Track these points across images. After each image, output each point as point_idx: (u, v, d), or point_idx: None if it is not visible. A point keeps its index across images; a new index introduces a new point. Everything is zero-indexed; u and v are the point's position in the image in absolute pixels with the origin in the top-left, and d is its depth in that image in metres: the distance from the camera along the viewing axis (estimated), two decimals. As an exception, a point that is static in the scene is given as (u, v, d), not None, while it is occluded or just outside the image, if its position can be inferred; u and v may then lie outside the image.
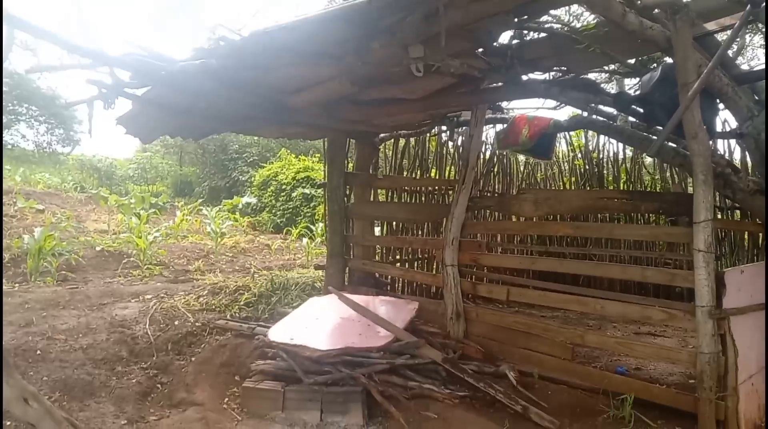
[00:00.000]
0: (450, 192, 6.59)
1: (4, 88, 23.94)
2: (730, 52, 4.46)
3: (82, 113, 27.06)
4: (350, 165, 6.46)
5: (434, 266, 6.68)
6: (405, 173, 6.69)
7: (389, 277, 6.40)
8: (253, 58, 3.54)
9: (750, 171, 5.12)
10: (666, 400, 3.56)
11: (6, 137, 25.67)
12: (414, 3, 3.00)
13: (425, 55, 3.38)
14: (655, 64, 4.22)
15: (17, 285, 6.59)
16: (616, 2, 3.14)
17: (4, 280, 6.78)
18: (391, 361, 4.14)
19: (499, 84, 4.35)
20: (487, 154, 7.28)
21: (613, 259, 6.51)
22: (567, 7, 5.88)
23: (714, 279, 3.20)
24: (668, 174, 6.89)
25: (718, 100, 3.51)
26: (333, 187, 6.17)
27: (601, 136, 7.30)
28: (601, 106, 4.92)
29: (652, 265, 5.81)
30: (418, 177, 6.68)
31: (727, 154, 5.87)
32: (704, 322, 3.22)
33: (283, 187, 14.80)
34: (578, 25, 4.18)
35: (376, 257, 6.51)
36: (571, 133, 7.82)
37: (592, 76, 5.10)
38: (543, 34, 4.08)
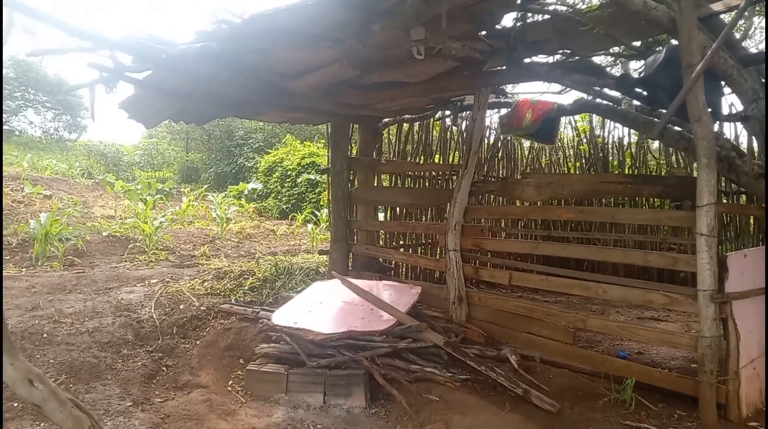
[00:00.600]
0: (454, 177, 6.58)
1: (12, 74, 24.02)
2: (737, 34, 4.40)
3: (88, 99, 27.05)
4: (354, 150, 6.45)
5: (437, 251, 6.69)
6: (409, 158, 6.67)
7: (393, 262, 6.41)
8: (253, 42, 3.53)
9: (756, 155, 5.08)
10: (667, 384, 3.57)
11: (14, 123, 25.83)
12: (414, -16, 2.97)
13: (426, 38, 3.36)
14: (660, 47, 4.16)
15: (24, 269, 6.66)
16: (619, -19, 3.10)
17: (11, 265, 6.85)
18: (394, 344, 4.17)
19: (502, 67, 4.31)
20: (491, 138, 7.24)
21: (616, 243, 6.49)
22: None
23: (716, 263, 3.19)
24: (674, 158, 6.83)
25: (723, 83, 3.46)
26: (336, 173, 6.16)
27: (607, 121, 7.25)
28: (605, 90, 4.88)
29: (656, 250, 5.82)
30: (421, 162, 6.66)
31: (733, 138, 5.81)
32: (706, 306, 3.21)
33: (289, 173, 14.80)
34: (582, 7, 4.11)
35: (380, 242, 6.52)
36: (576, 117, 7.77)
37: (597, 59, 5.04)
38: (546, 16, 4.02)
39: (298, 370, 4.10)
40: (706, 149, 3.13)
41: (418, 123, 6.68)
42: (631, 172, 6.98)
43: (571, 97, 7.95)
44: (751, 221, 6.32)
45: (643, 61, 4.20)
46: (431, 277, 6.43)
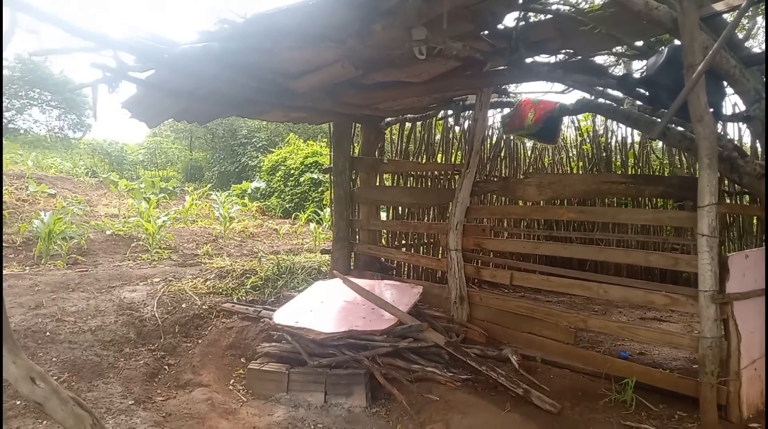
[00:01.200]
0: (456, 176, 6.58)
1: (17, 74, 24.12)
2: (740, 34, 4.39)
3: (92, 99, 27.14)
4: (356, 149, 6.46)
5: (439, 251, 6.69)
6: (411, 158, 6.67)
7: (394, 261, 6.42)
8: (255, 41, 3.53)
9: (759, 155, 5.06)
10: (668, 385, 3.57)
11: (19, 122, 25.97)
12: (416, -16, 2.96)
13: (428, 38, 3.36)
14: (662, 47, 4.15)
15: (27, 268, 6.69)
16: (620, -19, 3.09)
17: (15, 263, 6.88)
18: (395, 344, 4.18)
19: (504, 67, 4.30)
20: (494, 138, 7.23)
21: (618, 244, 6.49)
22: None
23: (717, 263, 3.19)
24: (677, 159, 6.81)
25: (725, 83, 3.45)
26: (339, 172, 6.17)
27: (610, 121, 7.23)
28: (608, 90, 4.87)
29: (658, 250, 5.80)
30: (423, 162, 6.67)
31: (736, 139, 5.79)
32: (707, 307, 3.21)
33: (292, 172, 14.82)
34: (585, 6, 4.10)
35: (382, 242, 6.53)
36: (579, 117, 7.76)
37: (599, 59, 5.04)
38: (548, 16, 4.01)
39: (299, 369, 4.11)
40: (707, 149, 3.13)
41: (420, 123, 6.68)
42: (633, 172, 6.97)
43: (574, 96, 7.94)
44: (754, 222, 6.30)
45: (645, 61, 4.19)
46: (433, 277, 6.43)
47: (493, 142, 7.21)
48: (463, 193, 4.85)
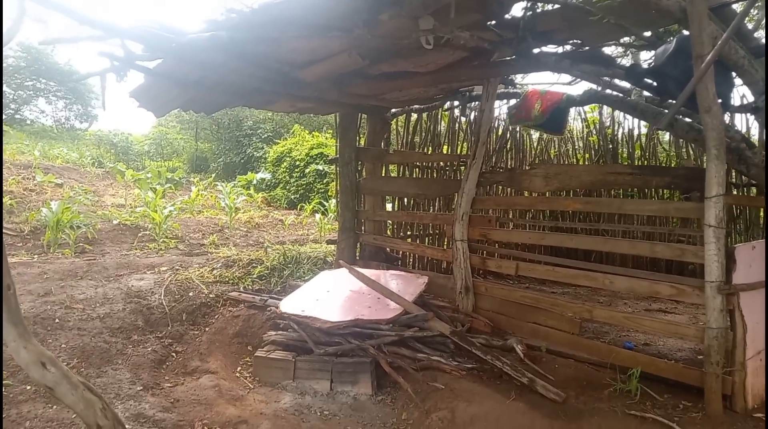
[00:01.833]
0: (461, 167, 6.58)
1: (23, 63, 24.17)
2: (749, 25, 4.35)
3: (99, 89, 27.31)
4: (362, 140, 6.46)
5: (444, 241, 6.71)
6: (417, 149, 6.67)
7: (400, 251, 6.44)
8: (262, 31, 3.54)
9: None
10: (673, 375, 3.58)
11: (26, 112, 26.07)
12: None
13: (435, 27, 3.35)
14: (671, 37, 4.12)
15: (36, 256, 6.75)
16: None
17: (24, 252, 6.94)
18: (400, 333, 4.20)
19: (511, 57, 4.29)
20: (500, 129, 7.22)
21: (624, 234, 6.48)
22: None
23: (724, 254, 3.19)
24: (684, 150, 6.79)
25: (733, 73, 3.43)
26: (344, 163, 6.18)
27: (617, 112, 7.20)
28: (616, 81, 4.85)
29: (665, 241, 5.80)
30: (429, 152, 6.66)
31: (744, 130, 5.76)
32: (713, 298, 3.22)
33: (297, 163, 14.85)
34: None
35: (388, 232, 6.55)
36: (586, 108, 7.73)
37: (607, 49, 5.01)
38: (555, 6, 3.99)
39: (305, 357, 4.14)
40: (715, 140, 3.13)
41: (426, 113, 6.67)
42: (640, 163, 6.95)
43: (581, 87, 7.91)
44: (761, 214, 6.28)
45: (653, 52, 4.17)
46: (438, 267, 6.45)
47: (499, 133, 7.20)
48: (469, 183, 4.85)
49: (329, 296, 4.78)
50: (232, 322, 4.89)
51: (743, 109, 4.64)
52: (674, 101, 3.48)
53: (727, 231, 3.31)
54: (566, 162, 7.75)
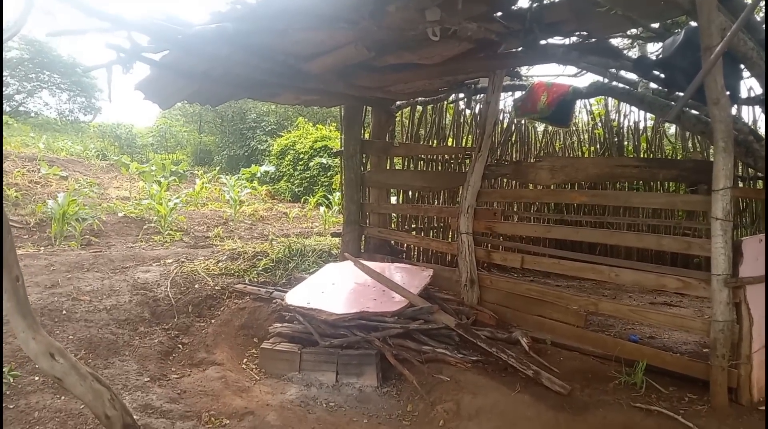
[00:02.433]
0: (466, 160, 6.56)
1: (26, 56, 24.16)
2: (758, 16, 4.32)
3: (103, 82, 27.30)
4: (366, 133, 6.45)
5: (449, 234, 6.71)
6: (422, 141, 6.65)
7: (404, 244, 6.44)
8: (269, 22, 3.53)
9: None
10: (678, 367, 3.58)
11: (30, 105, 26.09)
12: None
13: (441, 19, 3.33)
14: (679, 29, 4.09)
15: (42, 248, 6.78)
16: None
17: (30, 244, 6.97)
18: (405, 325, 4.21)
19: (518, 49, 4.27)
20: (505, 122, 7.19)
21: (630, 227, 6.47)
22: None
23: (731, 247, 3.18)
24: (690, 143, 6.75)
25: (742, 65, 3.40)
26: (349, 155, 6.18)
27: (623, 105, 7.17)
28: (622, 73, 4.82)
29: (670, 234, 5.78)
30: (434, 145, 6.65)
31: (751, 122, 5.72)
32: (719, 291, 3.22)
33: (301, 156, 14.83)
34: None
35: (392, 225, 6.55)
36: (591, 101, 7.69)
37: (614, 41, 4.98)
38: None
39: (311, 349, 4.16)
40: (723, 133, 3.11)
41: (431, 106, 6.65)
42: (646, 156, 6.92)
43: (587, 80, 7.88)
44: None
45: (661, 44, 4.14)
46: (443, 260, 6.45)
47: (504, 126, 7.17)
48: (474, 176, 4.84)
49: (335, 289, 4.80)
50: (238, 314, 4.92)
51: (751, 101, 4.61)
52: (682, 93, 3.47)
53: (734, 224, 3.29)
54: (571, 155, 7.72)
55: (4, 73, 24.84)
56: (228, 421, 3.27)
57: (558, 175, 4.41)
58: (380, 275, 4.84)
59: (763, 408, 3.22)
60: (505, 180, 6.77)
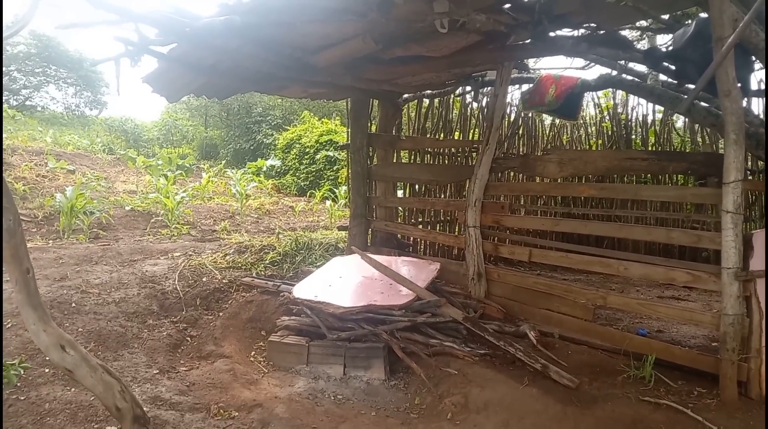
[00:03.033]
0: (473, 154, 6.54)
1: (33, 50, 24.24)
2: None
3: (109, 76, 27.43)
4: (373, 126, 6.43)
5: (456, 228, 6.70)
6: (428, 135, 6.63)
7: (411, 238, 6.44)
8: (276, 15, 3.52)
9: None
10: (687, 361, 3.56)
11: (36, 99, 26.22)
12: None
13: (450, 10, 3.31)
14: (689, 20, 4.06)
15: (51, 241, 6.82)
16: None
17: (39, 237, 7.01)
18: (413, 319, 4.21)
19: (526, 41, 4.24)
20: (512, 115, 7.16)
21: (638, 220, 6.43)
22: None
23: (741, 241, 3.16)
24: (699, 137, 6.70)
25: (753, 57, 3.37)
26: (356, 149, 6.17)
27: (631, 98, 7.12)
28: (631, 65, 4.78)
29: (678, 227, 5.74)
30: (441, 138, 6.62)
31: (762, 114, 5.67)
32: (730, 284, 3.20)
33: (307, 150, 14.84)
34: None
35: (399, 219, 6.54)
36: (599, 94, 7.64)
37: (623, 33, 4.93)
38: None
39: (318, 342, 4.17)
40: (734, 125, 3.08)
41: (438, 99, 6.62)
42: (654, 149, 6.88)
43: (594, 72, 7.81)
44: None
45: (670, 35, 4.11)
46: (449, 254, 6.44)
47: (512, 119, 7.14)
48: (482, 169, 4.82)
49: (342, 282, 4.80)
50: (246, 307, 4.93)
51: (762, 93, 4.56)
52: (693, 85, 3.44)
53: (744, 217, 3.26)
54: (578, 147, 7.68)
55: (12, 68, 24.96)
56: (237, 414, 3.28)
57: (566, 168, 4.38)
58: (388, 268, 4.85)
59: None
60: (511, 173, 6.74)
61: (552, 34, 3.92)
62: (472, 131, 6.88)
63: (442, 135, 6.63)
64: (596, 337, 4.07)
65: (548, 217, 5.12)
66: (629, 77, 4.69)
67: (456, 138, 6.79)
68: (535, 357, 3.77)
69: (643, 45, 5.81)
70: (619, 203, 6.56)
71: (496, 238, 5.08)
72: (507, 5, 3.81)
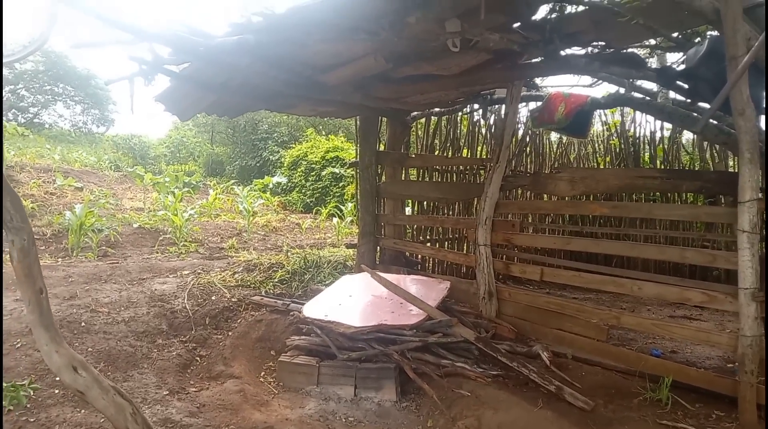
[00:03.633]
0: (481, 171, 6.54)
1: (41, 68, 24.53)
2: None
3: (116, 94, 27.72)
4: (381, 144, 6.44)
5: (464, 245, 6.67)
6: (436, 152, 6.63)
7: (419, 256, 6.40)
8: (289, 33, 3.53)
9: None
10: (704, 383, 3.51)
11: (44, 117, 26.48)
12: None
13: (462, 30, 3.32)
14: (698, 38, 4.06)
15: (60, 259, 6.82)
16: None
17: (47, 255, 7.01)
18: (424, 339, 4.16)
19: (537, 59, 4.24)
20: (520, 133, 7.16)
21: (648, 239, 6.38)
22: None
23: (758, 260, 3.12)
24: (708, 154, 6.67)
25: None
26: (365, 166, 6.17)
27: (638, 115, 7.11)
28: (639, 83, 4.77)
29: (689, 246, 5.70)
30: (450, 156, 6.62)
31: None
32: (747, 305, 3.15)
33: (313, 166, 14.88)
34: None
35: (407, 236, 6.52)
36: (607, 111, 7.64)
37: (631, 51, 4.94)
38: (581, 7, 3.94)
39: (329, 362, 4.13)
40: (749, 144, 3.07)
41: (446, 117, 6.64)
42: (663, 167, 6.85)
43: (601, 90, 7.83)
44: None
45: (680, 53, 4.11)
46: (458, 272, 6.41)
47: (519, 137, 7.14)
48: (492, 187, 4.81)
49: (352, 301, 4.77)
50: (255, 327, 4.90)
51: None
52: (706, 104, 3.43)
53: (761, 236, 3.23)
54: (586, 165, 7.67)
55: (20, 86, 25.25)
56: (248, 436, 3.24)
57: (578, 186, 4.36)
58: (398, 288, 4.81)
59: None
60: (520, 191, 6.72)
61: (563, 52, 3.92)
62: (480, 148, 6.88)
63: (450, 152, 6.64)
64: (610, 357, 4.02)
65: (559, 236, 5.08)
66: (638, 95, 4.69)
67: (464, 155, 6.79)
68: (549, 378, 3.72)
69: (651, 63, 5.81)
70: (629, 221, 6.52)
71: (505, 257, 5.04)
72: (516, 24, 3.83)
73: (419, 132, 6.96)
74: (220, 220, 11.38)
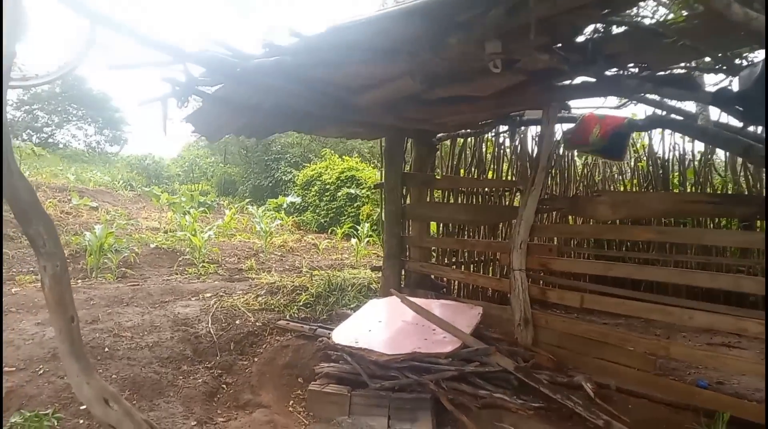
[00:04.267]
0: (507, 193, 6.41)
1: (56, 89, 24.85)
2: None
3: (129, 115, 28.04)
4: (406, 166, 6.34)
5: (492, 269, 6.51)
6: (462, 174, 6.52)
7: (445, 279, 6.25)
8: (325, 55, 3.46)
9: None
10: (762, 419, 3.31)
11: (59, 137, 26.78)
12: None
13: (505, 50, 3.23)
14: (742, 59, 3.95)
15: (80, 281, 6.72)
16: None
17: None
18: (460, 368, 4.00)
19: (577, 81, 4.14)
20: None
21: (687, 265, 6.15)
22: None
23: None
24: (741, 176, 6.50)
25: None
26: (390, 188, 6.06)
27: (667, 136, 6.96)
28: (674, 103, 4.65)
29: (733, 273, 5.50)
30: (476, 178, 6.50)
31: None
32: (811, 337, 2.98)
33: (327, 187, 14.85)
34: (667, 16, 3.92)
35: (431, 259, 6.37)
36: (633, 133, 7.51)
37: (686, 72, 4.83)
38: (623, 28, 3.85)
39: (361, 391, 3.96)
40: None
41: (471, 138, 6.53)
42: (693, 189, 6.68)
43: (629, 111, 7.71)
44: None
45: (720, 75, 3.99)
46: (486, 296, 6.23)
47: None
48: (527, 210, 4.67)
49: (382, 327, 4.62)
50: (281, 353, 4.74)
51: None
52: (761, 126, 3.30)
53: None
54: (612, 187, 7.51)
55: (35, 106, 25.56)
56: (282, 472, 3.08)
57: (620, 210, 4.22)
58: (430, 313, 4.66)
59: None
60: (554, 214, 6.57)
61: (608, 73, 3.82)
62: (506, 169, 6.75)
63: (475, 174, 6.52)
64: (657, 389, 3.83)
65: (599, 261, 4.92)
66: (678, 117, 4.57)
67: (490, 177, 6.66)
68: (595, 412, 3.53)
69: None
70: (675, 247, 6.28)
71: (542, 282, 4.88)
72: (558, 45, 3.74)
73: (443, 154, 6.86)
74: (236, 240, 11.30)
